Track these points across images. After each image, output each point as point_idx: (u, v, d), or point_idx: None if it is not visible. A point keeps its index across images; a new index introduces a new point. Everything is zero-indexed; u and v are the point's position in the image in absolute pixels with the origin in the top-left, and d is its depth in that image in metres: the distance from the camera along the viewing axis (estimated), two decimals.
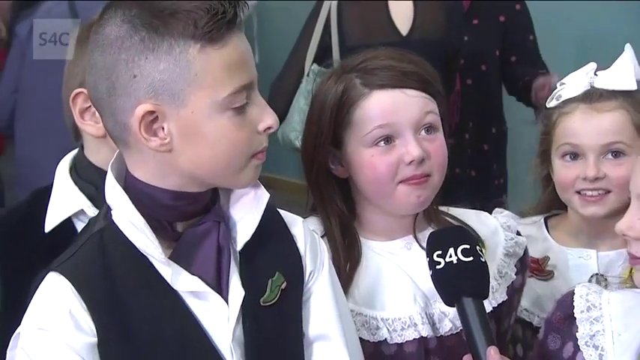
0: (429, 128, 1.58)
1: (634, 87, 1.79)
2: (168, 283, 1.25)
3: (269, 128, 1.27)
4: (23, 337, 1.22)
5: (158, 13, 1.20)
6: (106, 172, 1.47)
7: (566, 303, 1.47)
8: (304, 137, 1.66)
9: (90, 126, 1.58)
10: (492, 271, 1.63)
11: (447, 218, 1.68)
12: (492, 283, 1.61)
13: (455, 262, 1.35)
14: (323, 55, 2.93)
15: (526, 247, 1.72)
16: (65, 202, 1.58)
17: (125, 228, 1.25)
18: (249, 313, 1.29)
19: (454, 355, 1.56)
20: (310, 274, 1.38)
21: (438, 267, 1.37)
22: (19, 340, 1.23)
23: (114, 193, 1.27)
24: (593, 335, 1.41)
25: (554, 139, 1.85)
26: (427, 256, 1.38)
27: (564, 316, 1.46)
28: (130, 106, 1.21)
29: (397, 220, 1.63)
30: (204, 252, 1.27)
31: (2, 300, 1.53)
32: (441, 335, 1.59)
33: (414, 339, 1.56)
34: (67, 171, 1.62)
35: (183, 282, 1.25)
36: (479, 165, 3.15)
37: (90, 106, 1.56)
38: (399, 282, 1.59)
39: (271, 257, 1.34)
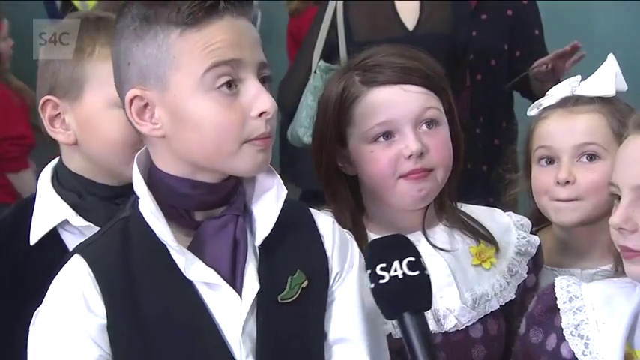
0: (430, 123, 1.58)
1: (612, 93, 1.77)
2: (182, 272, 1.26)
3: (264, 113, 1.25)
4: (40, 313, 1.28)
5: (152, 3, 1.25)
6: (86, 179, 1.53)
7: (546, 296, 1.48)
8: (313, 134, 1.67)
9: (60, 134, 1.55)
10: (502, 269, 1.65)
11: (460, 215, 1.67)
12: (501, 281, 1.64)
13: (400, 276, 1.23)
14: (330, 53, 2.93)
15: (539, 246, 1.71)
16: (49, 213, 1.55)
17: (148, 216, 1.28)
18: (264, 308, 1.29)
19: (460, 350, 1.59)
20: (336, 275, 1.37)
21: (381, 281, 1.23)
22: (37, 316, 1.28)
23: (137, 182, 1.29)
24: (578, 325, 1.42)
25: (532, 146, 1.85)
26: (368, 268, 1.25)
27: (546, 309, 1.47)
28: (126, 93, 1.28)
29: (406, 216, 1.63)
30: (219, 244, 1.28)
31: None
32: (446, 331, 1.58)
33: None
34: (49, 181, 1.59)
35: (195, 271, 1.26)
36: (490, 160, 3.11)
37: (59, 114, 1.54)
38: None
39: (294, 255, 1.34)
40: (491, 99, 3.20)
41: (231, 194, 1.31)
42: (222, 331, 1.26)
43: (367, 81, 1.58)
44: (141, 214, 1.28)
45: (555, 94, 1.84)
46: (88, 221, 1.52)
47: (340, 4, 2.92)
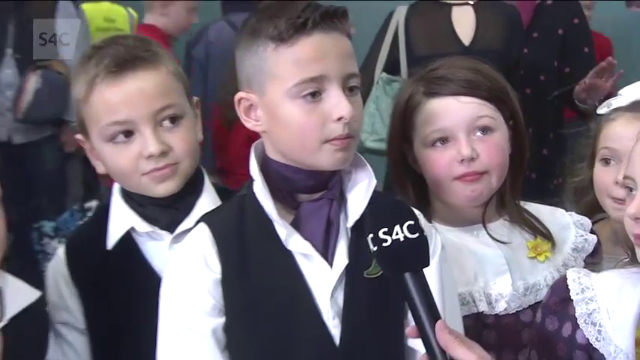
0: (484, 129, 1.71)
1: None
2: (283, 243, 1.46)
3: (341, 118, 1.43)
4: (169, 268, 1.51)
5: (260, 17, 1.46)
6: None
7: (560, 288, 1.56)
8: (387, 136, 1.84)
9: (97, 165, 1.69)
10: (557, 263, 1.76)
11: (522, 212, 1.78)
12: (554, 274, 1.74)
13: (402, 239, 1.28)
14: (392, 67, 3.08)
15: (597, 244, 1.81)
16: (120, 220, 1.69)
17: (258, 195, 1.49)
18: (351, 279, 1.47)
19: (510, 332, 1.71)
20: None
21: (384, 244, 1.29)
22: (166, 270, 1.52)
23: (252, 166, 1.51)
24: (590, 313, 1.49)
25: (597, 144, 1.94)
26: (370, 232, 1.30)
27: (560, 300, 1.54)
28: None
29: (467, 210, 1.77)
30: (315, 223, 1.48)
31: (86, 318, 1.67)
32: (497, 314, 1.71)
33: (472, 313, 1.69)
34: (119, 191, 1.71)
35: (294, 243, 1.47)
36: (539, 169, 3.18)
37: (93, 149, 1.66)
38: (463, 259, 1.74)
39: None
40: (540, 111, 3.27)
41: (329, 181, 1.50)
42: (313, 295, 1.46)
43: (428, 92, 1.73)
44: (254, 193, 1.50)
45: (626, 95, 1.91)
46: (154, 226, 1.67)
47: (402, 22, 3.07)
